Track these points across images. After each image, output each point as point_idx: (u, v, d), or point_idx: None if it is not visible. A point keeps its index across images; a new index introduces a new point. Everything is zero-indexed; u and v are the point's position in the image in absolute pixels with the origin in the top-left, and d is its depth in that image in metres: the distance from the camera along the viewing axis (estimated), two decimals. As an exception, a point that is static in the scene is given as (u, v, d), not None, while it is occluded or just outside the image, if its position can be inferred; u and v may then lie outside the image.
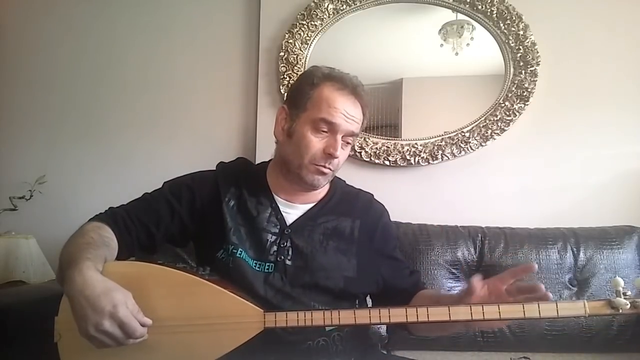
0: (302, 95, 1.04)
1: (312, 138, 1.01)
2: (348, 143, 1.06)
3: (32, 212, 1.96)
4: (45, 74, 2.08)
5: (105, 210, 1.05)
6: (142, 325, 0.80)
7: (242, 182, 1.10)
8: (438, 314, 0.82)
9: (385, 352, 1.11)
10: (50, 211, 1.98)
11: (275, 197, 1.09)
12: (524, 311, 0.81)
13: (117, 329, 0.77)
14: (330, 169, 1.04)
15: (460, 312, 0.82)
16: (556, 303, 0.81)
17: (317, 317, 0.84)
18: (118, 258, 0.98)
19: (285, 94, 1.83)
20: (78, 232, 0.95)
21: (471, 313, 0.82)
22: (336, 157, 1.02)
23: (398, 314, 0.84)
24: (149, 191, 1.10)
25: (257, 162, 1.22)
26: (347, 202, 1.14)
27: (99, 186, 1.98)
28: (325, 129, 1.01)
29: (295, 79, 1.10)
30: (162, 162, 1.96)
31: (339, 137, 1.02)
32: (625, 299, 0.80)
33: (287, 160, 1.06)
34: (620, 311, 0.80)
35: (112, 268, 0.87)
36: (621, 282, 0.81)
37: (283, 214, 1.07)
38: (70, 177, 2.02)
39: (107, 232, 0.97)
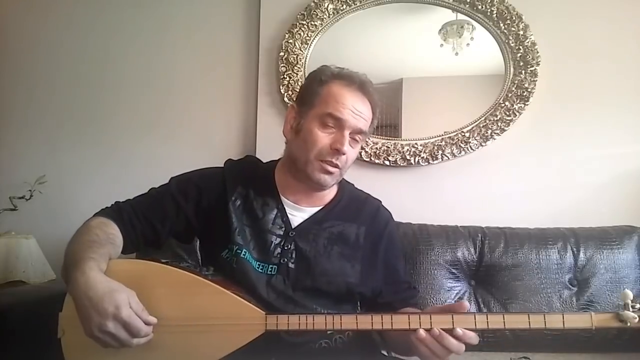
0: (310, 92, 1.05)
1: (319, 133, 1.01)
2: (356, 141, 1.05)
3: (32, 212, 1.96)
4: (45, 74, 2.08)
5: (112, 205, 1.05)
6: (147, 323, 0.80)
7: (250, 181, 1.09)
8: (441, 322, 0.82)
9: (385, 354, 1.10)
10: (50, 211, 1.98)
11: (282, 198, 1.08)
12: (529, 322, 0.81)
13: (121, 330, 0.78)
14: (337, 167, 1.03)
15: (464, 321, 0.82)
16: (562, 315, 0.81)
17: (319, 322, 0.84)
18: (122, 253, 0.98)
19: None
20: (83, 227, 0.95)
21: (475, 322, 0.82)
22: (343, 153, 1.01)
23: (400, 321, 0.83)
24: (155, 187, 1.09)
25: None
26: (354, 207, 1.13)
27: (99, 186, 1.98)
28: (332, 125, 1.01)
29: (305, 78, 1.11)
30: (162, 162, 1.95)
31: (347, 132, 1.01)
32: (633, 311, 0.78)
33: (295, 158, 1.05)
34: (629, 324, 0.78)
35: (116, 266, 0.88)
36: (630, 294, 0.80)
37: (289, 216, 1.07)
38: (70, 177, 2.02)
39: (112, 228, 0.97)
